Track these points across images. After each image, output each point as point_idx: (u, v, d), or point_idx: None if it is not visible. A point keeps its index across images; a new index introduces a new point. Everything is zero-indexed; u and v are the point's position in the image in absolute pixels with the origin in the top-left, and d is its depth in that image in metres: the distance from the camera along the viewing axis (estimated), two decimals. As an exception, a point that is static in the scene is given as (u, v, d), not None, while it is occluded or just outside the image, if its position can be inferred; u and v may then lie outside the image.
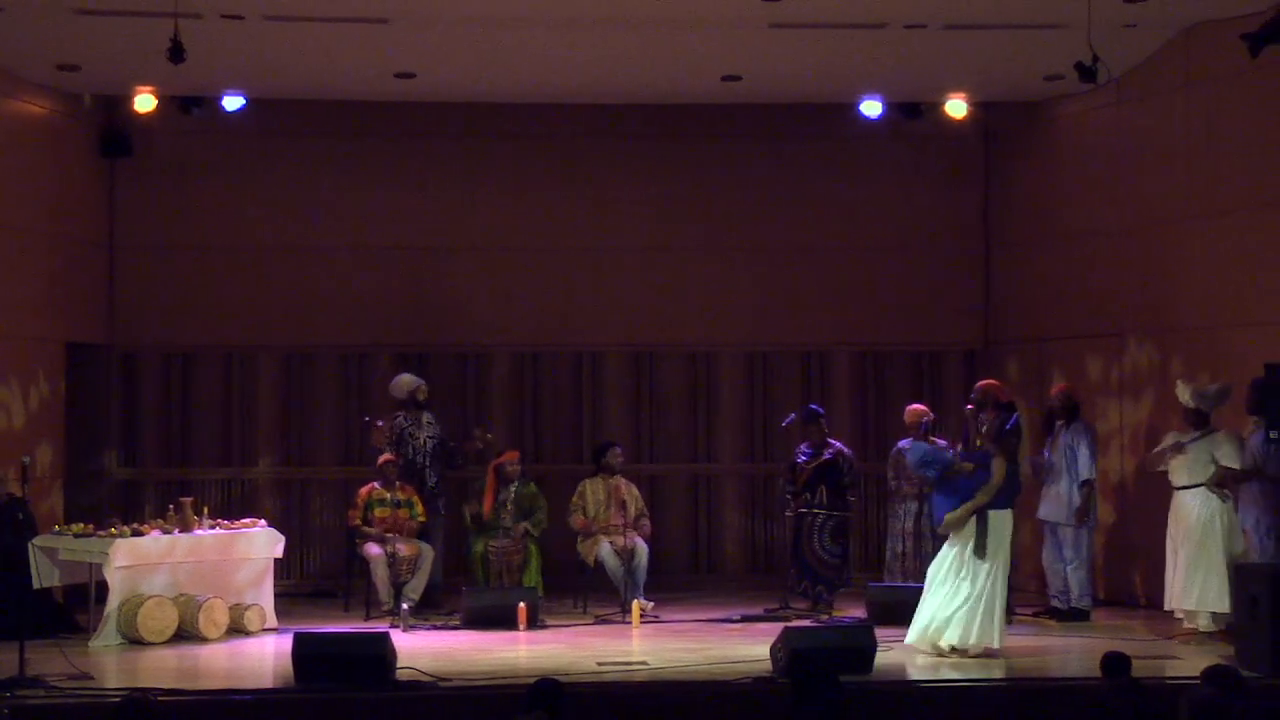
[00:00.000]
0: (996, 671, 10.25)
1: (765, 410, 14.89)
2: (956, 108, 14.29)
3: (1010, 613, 11.60)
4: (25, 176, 13.17)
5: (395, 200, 14.73)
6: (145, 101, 13.75)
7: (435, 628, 12.11)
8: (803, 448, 13.00)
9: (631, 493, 13.26)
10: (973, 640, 10.65)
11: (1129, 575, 13.12)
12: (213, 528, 12.25)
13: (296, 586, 14.19)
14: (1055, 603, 12.50)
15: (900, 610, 11.92)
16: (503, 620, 11.98)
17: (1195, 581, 11.15)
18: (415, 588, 12.65)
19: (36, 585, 11.53)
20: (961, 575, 10.80)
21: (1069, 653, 10.99)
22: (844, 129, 14.62)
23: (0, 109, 12.96)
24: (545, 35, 12.29)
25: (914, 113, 14.47)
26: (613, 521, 13.07)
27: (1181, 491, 11.36)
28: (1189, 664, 9.94)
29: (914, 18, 12.04)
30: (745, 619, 12.46)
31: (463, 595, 12.37)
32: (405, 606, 12.20)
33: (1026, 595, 13.37)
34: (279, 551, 12.47)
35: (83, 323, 14.09)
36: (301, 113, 14.45)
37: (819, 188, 14.96)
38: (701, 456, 15.02)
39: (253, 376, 14.69)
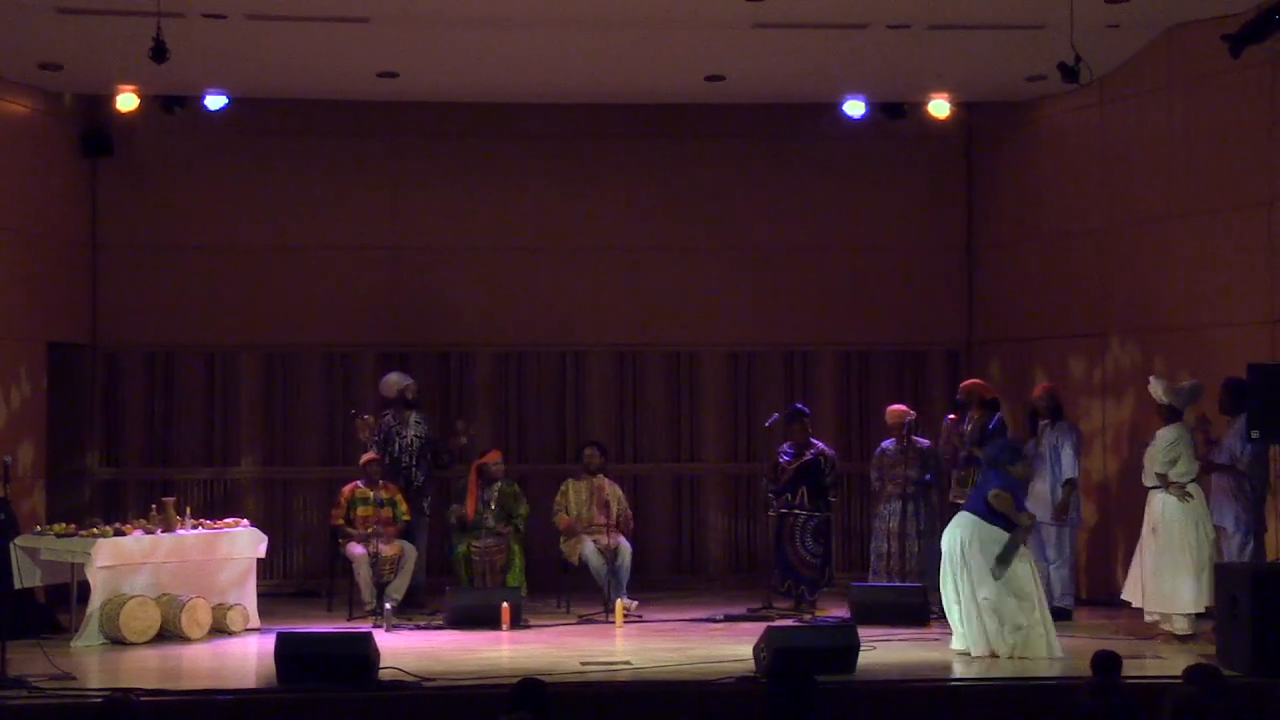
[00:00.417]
0: (979, 671, 10.27)
1: (749, 410, 14.90)
2: (940, 108, 14.31)
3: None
4: (6, 176, 13.14)
5: (378, 200, 14.72)
6: (127, 101, 13.72)
7: (418, 627, 12.11)
8: (785, 447, 13.02)
9: (614, 492, 13.26)
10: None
11: (1111, 575, 13.14)
12: (195, 527, 12.23)
13: (279, 586, 14.17)
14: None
15: (883, 610, 11.96)
16: (486, 620, 11.97)
17: (1165, 583, 11.15)
18: (398, 588, 12.64)
19: (18, 585, 11.49)
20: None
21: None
22: (827, 129, 14.64)
23: (-18, 108, 12.96)
24: (528, 35, 12.29)
25: (897, 113, 14.48)
26: (596, 521, 13.08)
27: (1154, 491, 11.37)
28: (1171, 663, 9.96)
29: (897, 18, 12.06)
30: (728, 618, 12.47)
31: (446, 595, 12.36)
32: (388, 606, 12.19)
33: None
34: (262, 551, 12.46)
35: (65, 322, 14.06)
36: (284, 112, 14.43)
37: (802, 188, 14.96)
38: (685, 456, 15.03)
39: (235, 376, 14.66)
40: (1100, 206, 13.53)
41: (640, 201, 14.92)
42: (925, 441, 12.97)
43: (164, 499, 12.33)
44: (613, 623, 12.23)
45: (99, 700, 8.08)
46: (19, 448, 13.06)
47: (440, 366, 14.85)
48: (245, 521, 12.65)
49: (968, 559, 10.70)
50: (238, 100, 13.98)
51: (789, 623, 11.74)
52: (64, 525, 11.89)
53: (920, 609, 12.08)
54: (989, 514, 10.72)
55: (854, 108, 14.30)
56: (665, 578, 14.60)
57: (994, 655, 10.56)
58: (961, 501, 12.51)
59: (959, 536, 10.80)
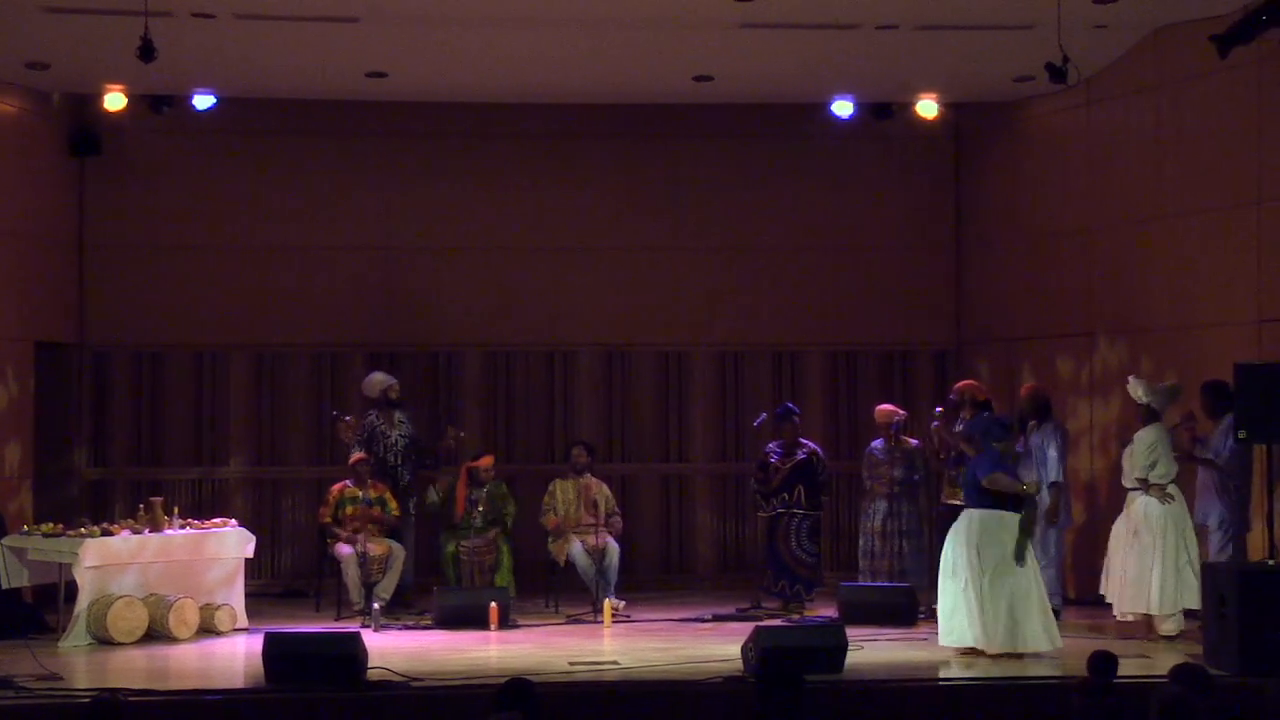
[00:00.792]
0: (966, 671, 10.28)
1: (737, 410, 14.91)
2: (927, 108, 14.33)
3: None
4: (-6, 175, 13.14)
5: (367, 199, 14.71)
6: (115, 100, 13.71)
7: (407, 627, 12.10)
8: (772, 446, 13.03)
9: (602, 492, 13.25)
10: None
11: (1099, 574, 13.12)
12: (183, 527, 12.21)
13: (267, 586, 14.15)
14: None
15: (871, 610, 11.97)
16: (474, 620, 11.97)
17: (1150, 584, 11.16)
18: (386, 587, 12.63)
19: (5, 585, 11.51)
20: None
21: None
22: (815, 129, 14.65)
23: (-31, 107, 12.94)
24: (515, 35, 12.29)
25: (885, 113, 14.50)
26: (584, 521, 13.08)
27: (1134, 492, 11.39)
28: (1158, 663, 9.98)
29: (885, 19, 12.07)
30: (717, 618, 12.48)
31: (434, 595, 12.36)
32: (376, 606, 12.17)
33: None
34: (250, 551, 12.45)
35: (52, 322, 14.04)
36: (273, 112, 14.42)
37: (791, 188, 14.97)
38: (674, 456, 15.03)
39: (223, 376, 14.65)
40: (1088, 206, 13.55)
41: (629, 201, 14.92)
42: (914, 441, 12.98)
43: (152, 499, 12.30)
44: (601, 623, 12.23)
45: (86, 700, 8.09)
46: (6, 447, 13.07)
47: (429, 366, 14.85)
48: (233, 521, 12.64)
49: (980, 554, 10.66)
50: (226, 100, 13.97)
51: (777, 622, 11.75)
52: (51, 525, 11.86)
53: (908, 609, 12.09)
54: (989, 501, 10.70)
55: (842, 108, 14.32)
56: (653, 577, 14.60)
57: (1008, 653, 10.56)
58: (956, 502, 12.54)
59: (963, 533, 10.76)
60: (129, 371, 14.58)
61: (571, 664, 10.41)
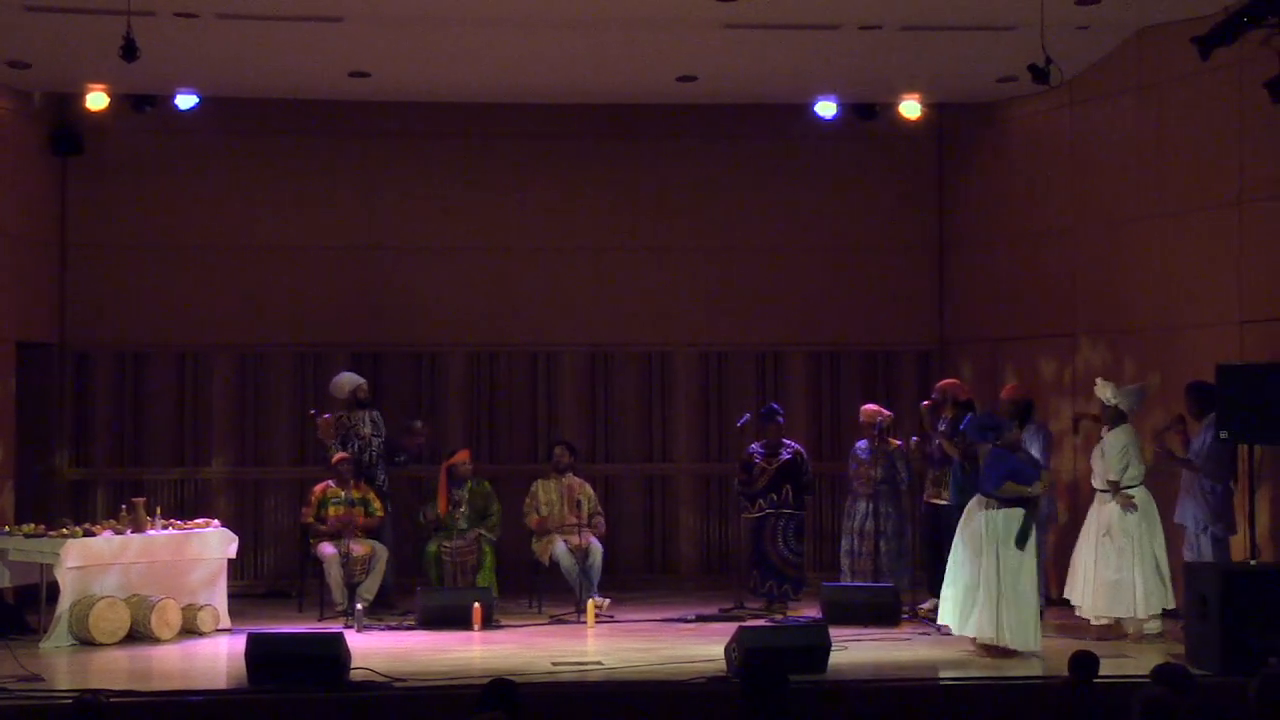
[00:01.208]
0: (946, 671, 10.30)
1: (720, 410, 14.91)
2: (911, 109, 14.35)
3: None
4: (-25, 174, 13.10)
5: (350, 199, 14.69)
6: (97, 99, 13.67)
7: (390, 628, 12.09)
8: (755, 447, 13.04)
9: (585, 492, 13.25)
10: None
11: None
12: (165, 528, 12.19)
13: (250, 587, 14.13)
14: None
15: (854, 610, 11.98)
16: (457, 620, 11.96)
17: (1127, 585, 11.18)
18: (369, 588, 12.62)
19: (-13, 586, 11.47)
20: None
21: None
22: (799, 129, 14.66)
23: (-50, 106, 12.89)
24: (499, 35, 12.28)
25: (868, 114, 14.52)
26: (567, 521, 13.07)
27: (1103, 494, 11.41)
28: (1139, 662, 10.00)
29: (869, 19, 12.08)
30: (700, 618, 12.48)
31: (417, 595, 12.34)
32: (359, 607, 12.16)
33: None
34: (232, 552, 12.42)
35: (33, 322, 13.99)
36: (255, 112, 14.39)
37: (774, 188, 14.98)
38: (656, 456, 15.03)
39: (206, 376, 14.62)
40: (1070, 207, 13.58)
41: (612, 202, 14.93)
42: (898, 442, 13.00)
43: (134, 499, 12.28)
44: (584, 623, 12.23)
45: (68, 702, 8.05)
46: (-13, 448, 13.03)
47: (412, 366, 14.83)
48: (216, 522, 12.62)
49: (987, 548, 10.69)
50: (209, 99, 13.95)
51: (760, 623, 11.76)
52: (33, 526, 11.84)
53: (891, 609, 12.11)
54: (1005, 500, 10.74)
55: (825, 108, 14.33)
56: (637, 577, 14.60)
57: (1008, 649, 10.60)
58: (939, 502, 12.58)
59: (975, 526, 10.77)
60: (111, 372, 14.54)
61: (555, 664, 10.42)
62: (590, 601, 12.38)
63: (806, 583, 13.07)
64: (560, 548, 12.87)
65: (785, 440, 13.06)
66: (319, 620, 12.37)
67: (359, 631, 11.69)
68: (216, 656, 11.17)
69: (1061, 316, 13.61)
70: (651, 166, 14.94)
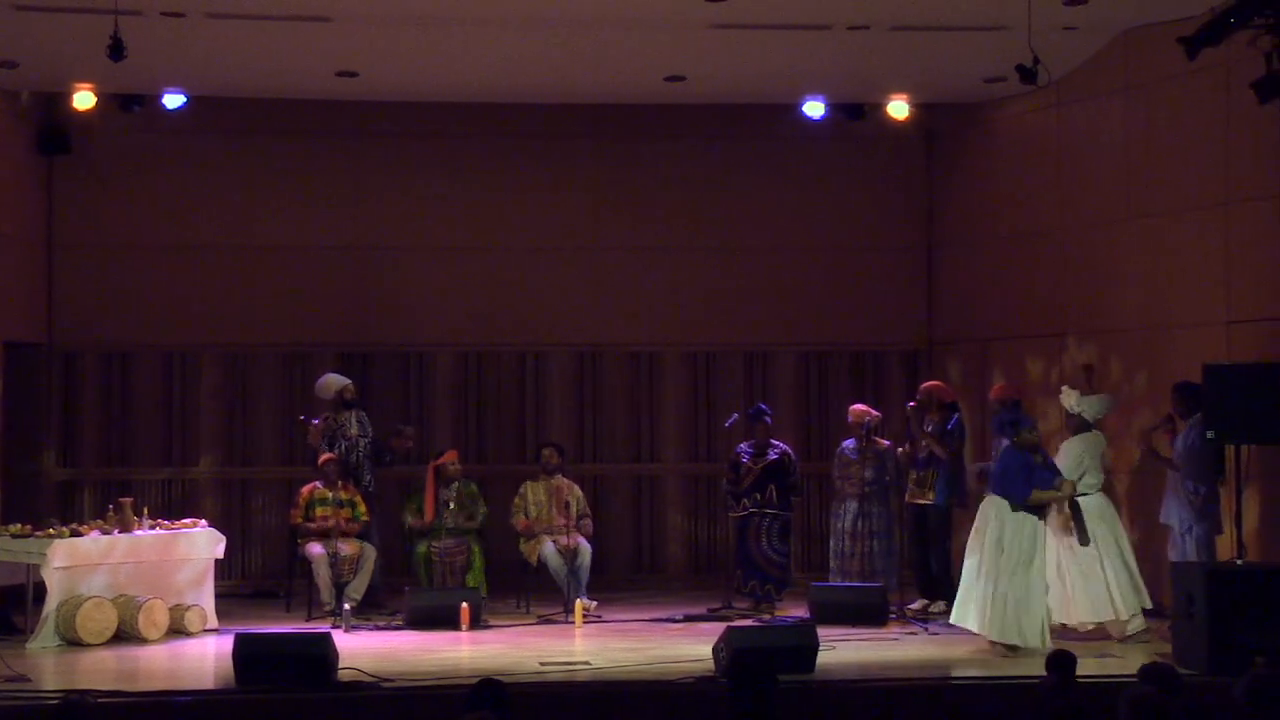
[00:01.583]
0: (933, 671, 10.31)
1: (708, 410, 14.92)
2: (898, 109, 14.37)
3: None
4: (-38, 174, 13.07)
5: (338, 199, 14.68)
6: (85, 99, 13.64)
7: (377, 628, 12.08)
8: (744, 447, 13.04)
9: (574, 492, 13.24)
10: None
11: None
12: (153, 528, 12.17)
13: (238, 587, 14.11)
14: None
15: (842, 610, 11.99)
16: (445, 620, 11.95)
17: (1110, 586, 11.19)
18: (357, 588, 12.61)
19: (-27, 587, 11.45)
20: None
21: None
22: (787, 130, 14.67)
23: (-63, 106, 12.86)
24: (487, 35, 12.28)
25: (856, 114, 14.53)
26: (556, 521, 13.06)
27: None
28: (1126, 662, 10.02)
29: (857, 19, 12.10)
30: (688, 619, 12.48)
31: (406, 595, 12.33)
32: (347, 607, 12.15)
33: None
34: (220, 552, 12.41)
35: (20, 322, 13.96)
36: (243, 111, 14.38)
37: (762, 188, 14.99)
38: (644, 456, 15.04)
39: (194, 376, 14.60)
40: (1058, 207, 13.60)
41: (600, 202, 14.93)
42: (886, 443, 13.01)
43: (121, 499, 12.25)
44: (572, 623, 12.22)
45: (55, 702, 8.04)
46: (-26, 448, 12.99)
47: (400, 366, 14.82)
48: (203, 522, 12.60)
49: (1002, 548, 10.70)
50: (196, 99, 13.93)
51: (748, 623, 11.76)
52: (20, 526, 11.80)
53: (879, 609, 12.11)
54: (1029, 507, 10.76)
55: (813, 108, 14.34)
56: (625, 578, 14.61)
57: (1005, 644, 10.64)
58: (922, 501, 12.61)
59: (990, 525, 10.78)
60: (98, 372, 14.52)
61: (543, 664, 10.41)
62: (578, 602, 12.37)
63: (790, 583, 13.06)
64: (549, 548, 12.87)
65: (773, 440, 13.06)
66: (307, 620, 12.35)
67: (346, 631, 11.68)
68: (204, 657, 11.15)
69: (1049, 316, 13.62)
70: (639, 167, 14.95)
